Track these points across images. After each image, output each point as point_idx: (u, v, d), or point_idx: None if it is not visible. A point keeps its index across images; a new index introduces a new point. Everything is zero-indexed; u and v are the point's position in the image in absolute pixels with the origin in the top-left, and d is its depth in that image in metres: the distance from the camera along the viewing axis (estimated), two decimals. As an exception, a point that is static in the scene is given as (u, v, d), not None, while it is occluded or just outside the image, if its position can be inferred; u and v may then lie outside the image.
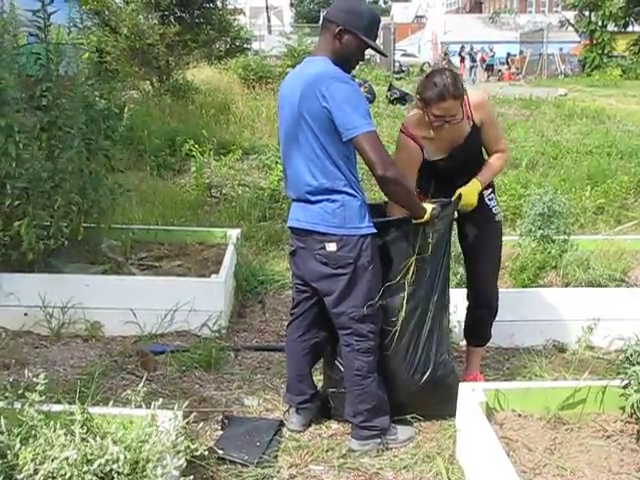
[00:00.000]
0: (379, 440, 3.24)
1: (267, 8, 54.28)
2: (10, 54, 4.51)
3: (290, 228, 3.29)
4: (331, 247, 3.07)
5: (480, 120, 3.45)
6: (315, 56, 3.17)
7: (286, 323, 4.63)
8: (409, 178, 3.30)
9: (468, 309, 3.77)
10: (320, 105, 2.97)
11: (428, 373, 3.36)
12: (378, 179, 3.02)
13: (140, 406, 2.69)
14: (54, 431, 2.38)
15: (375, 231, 3.13)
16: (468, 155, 3.50)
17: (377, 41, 3.28)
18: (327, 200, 3.07)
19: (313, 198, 3.10)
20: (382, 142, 3.05)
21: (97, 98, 5.21)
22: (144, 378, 3.26)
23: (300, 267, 3.28)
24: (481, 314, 3.73)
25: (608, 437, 3.02)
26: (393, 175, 3.01)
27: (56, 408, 2.62)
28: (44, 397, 2.50)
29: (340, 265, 3.08)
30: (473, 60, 34.85)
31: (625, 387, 3.02)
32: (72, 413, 2.52)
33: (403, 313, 3.25)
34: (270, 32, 46.05)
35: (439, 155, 3.47)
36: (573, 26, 36.74)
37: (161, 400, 2.73)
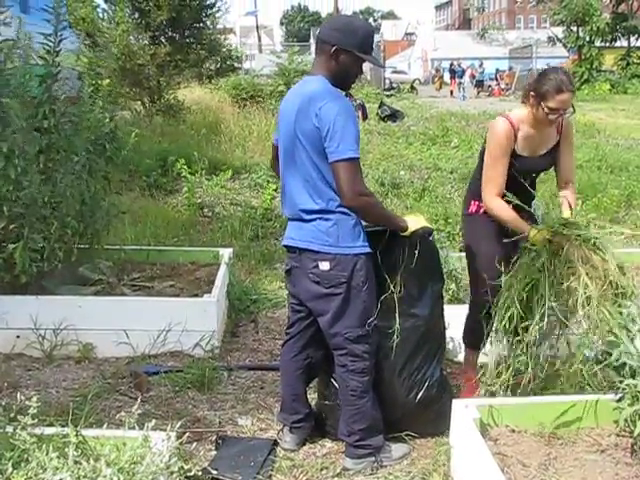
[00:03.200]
0: (373, 458, 3.23)
1: (257, 27, 54.44)
2: (18, 80, 4.57)
3: (285, 246, 3.29)
4: (324, 266, 3.06)
5: (565, 137, 3.70)
6: (313, 75, 3.17)
7: (279, 342, 4.66)
8: (501, 160, 3.54)
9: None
10: (313, 125, 2.99)
11: (423, 391, 3.36)
12: (346, 207, 3.04)
13: (133, 427, 2.68)
14: (47, 454, 2.36)
15: (370, 250, 3.14)
16: (544, 166, 3.74)
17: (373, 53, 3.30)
18: (321, 219, 3.08)
19: (307, 217, 3.11)
20: (360, 169, 3.03)
21: (106, 120, 5.24)
22: (138, 399, 3.25)
23: (295, 286, 3.28)
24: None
25: (603, 451, 3.01)
26: (359, 205, 3.03)
27: (49, 431, 2.60)
28: (37, 420, 2.49)
29: (333, 284, 3.07)
30: (460, 76, 35.05)
31: (619, 401, 3.02)
32: (65, 436, 2.50)
33: (397, 326, 3.24)
34: (261, 51, 46.17)
35: (525, 152, 3.63)
36: (561, 42, 37.07)
37: (154, 421, 2.71)
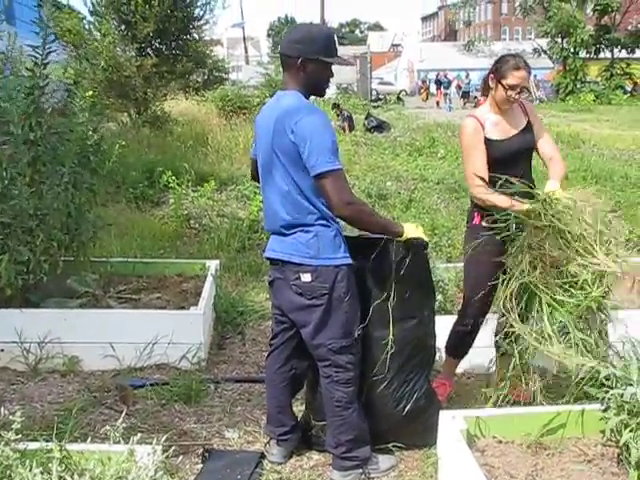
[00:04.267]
0: (360, 470, 3.22)
1: (244, 39, 54.59)
2: (8, 93, 4.56)
3: (267, 258, 3.29)
4: (306, 277, 3.07)
5: (533, 117, 3.90)
6: (285, 90, 3.17)
7: (266, 354, 4.64)
8: (474, 152, 3.72)
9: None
10: (290, 140, 2.99)
11: (412, 402, 3.36)
12: (338, 217, 3.08)
13: (119, 442, 2.66)
14: (30, 470, 2.34)
15: (351, 262, 3.14)
16: (523, 144, 3.81)
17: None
18: (301, 231, 3.09)
19: (287, 231, 3.12)
20: (344, 179, 3.05)
21: (90, 133, 5.23)
22: (123, 413, 3.23)
23: (278, 297, 3.28)
24: None
25: (589, 461, 3.01)
26: (350, 214, 3.04)
27: (33, 446, 2.58)
28: (20, 435, 2.47)
29: (315, 296, 3.08)
30: (446, 87, 35.25)
31: (605, 411, 3.03)
32: (49, 451, 2.48)
33: (391, 337, 3.25)
34: (248, 62, 46.27)
35: (498, 136, 3.79)
36: (546, 53, 37.37)
37: (140, 435, 2.69)
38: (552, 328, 3.36)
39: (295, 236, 3.10)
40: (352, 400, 3.19)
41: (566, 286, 3.43)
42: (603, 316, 3.52)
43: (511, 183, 3.61)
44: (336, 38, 3.32)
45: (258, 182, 3.35)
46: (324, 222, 3.08)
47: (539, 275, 3.44)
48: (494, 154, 3.74)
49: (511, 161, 3.73)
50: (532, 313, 3.49)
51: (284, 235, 3.14)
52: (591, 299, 3.37)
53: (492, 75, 3.77)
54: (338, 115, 16.77)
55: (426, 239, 3.30)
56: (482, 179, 3.65)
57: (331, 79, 3.23)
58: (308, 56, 3.06)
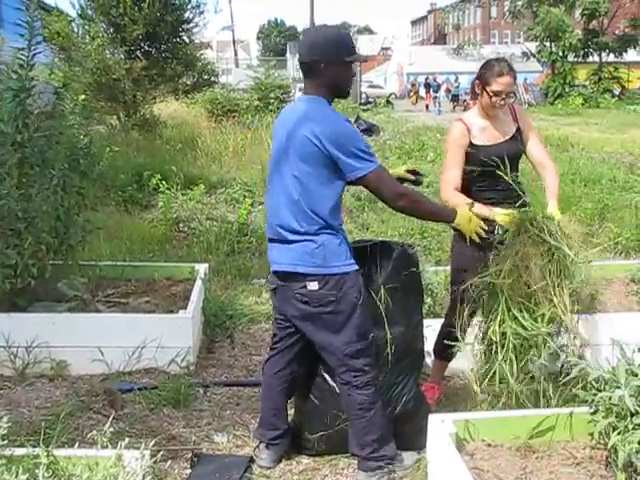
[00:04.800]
0: (387, 469, 3.21)
1: (234, 42, 54.63)
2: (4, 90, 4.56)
3: (271, 270, 3.26)
4: (313, 286, 3.06)
5: (523, 123, 3.88)
6: (308, 95, 3.15)
7: (256, 358, 4.65)
8: (458, 157, 3.70)
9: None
10: (315, 148, 2.98)
11: (400, 406, 3.36)
12: (394, 209, 3.22)
13: (106, 446, 2.65)
14: (16, 476, 2.32)
15: (357, 267, 3.14)
16: (512, 151, 3.78)
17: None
18: (306, 240, 3.07)
19: (292, 237, 3.10)
20: (388, 173, 3.15)
21: (81, 137, 5.21)
22: (111, 417, 3.21)
23: (282, 305, 3.26)
24: None
25: (578, 464, 3.01)
26: (405, 204, 3.14)
27: (19, 452, 2.56)
28: (6, 441, 2.45)
29: (322, 303, 3.07)
30: (436, 91, 35.34)
31: (593, 413, 3.03)
32: (36, 456, 2.46)
33: (390, 336, 3.28)
34: (237, 65, 46.30)
35: (485, 142, 3.79)
36: (535, 56, 37.55)
37: (128, 439, 2.68)
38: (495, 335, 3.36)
39: (300, 245, 3.08)
40: (374, 400, 3.19)
41: (524, 308, 3.38)
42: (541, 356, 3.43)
43: (498, 188, 3.62)
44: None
45: None
46: (330, 231, 3.08)
47: (510, 283, 3.39)
48: (480, 160, 3.73)
49: (499, 166, 3.69)
50: (486, 312, 3.52)
51: (288, 243, 3.11)
52: (533, 334, 3.33)
53: (477, 81, 3.77)
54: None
55: (481, 223, 3.35)
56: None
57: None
58: (332, 59, 3.05)
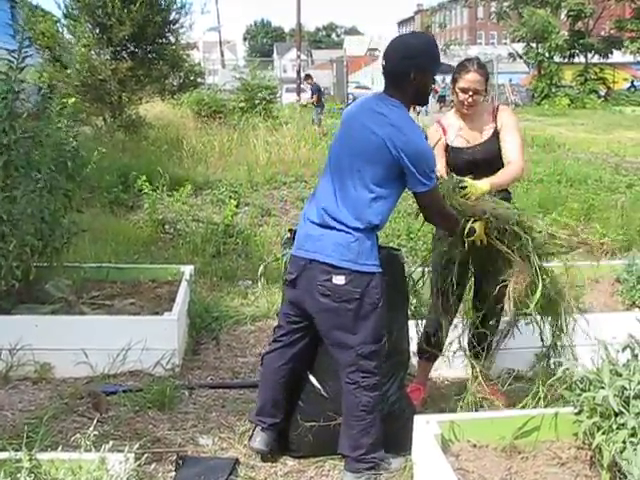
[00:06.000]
0: (374, 471, 3.21)
1: (220, 43, 54.47)
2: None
3: (293, 256, 3.26)
4: (339, 280, 3.07)
5: (501, 123, 3.83)
6: (389, 98, 3.16)
7: (241, 359, 4.66)
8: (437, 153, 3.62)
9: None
10: (388, 155, 3.04)
11: (386, 408, 3.35)
12: (430, 223, 3.52)
13: (90, 450, 2.63)
14: (-2, 480, 2.31)
15: (381, 270, 3.16)
16: (487, 154, 3.79)
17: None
18: (343, 231, 3.09)
19: (332, 224, 3.11)
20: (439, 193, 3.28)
21: (70, 139, 5.19)
22: (95, 420, 3.20)
23: (299, 296, 3.23)
24: None
25: (563, 464, 3.02)
26: (440, 222, 3.46)
27: (1, 456, 2.55)
28: (-12, 445, 2.43)
29: (345, 299, 3.07)
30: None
31: (578, 413, 3.04)
32: (18, 460, 2.45)
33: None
34: (224, 66, 46.15)
35: (460, 144, 3.84)
36: (522, 57, 37.71)
37: (112, 442, 2.68)
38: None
39: (336, 234, 3.09)
40: (377, 403, 3.21)
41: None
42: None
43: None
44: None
45: None
46: (367, 231, 3.12)
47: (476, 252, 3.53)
48: (456, 161, 3.77)
49: (475, 169, 3.70)
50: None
51: (327, 228, 3.12)
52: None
53: (450, 82, 3.84)
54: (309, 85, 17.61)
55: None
56: None
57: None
58: (422, 70, 3.12)
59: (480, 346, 3.81)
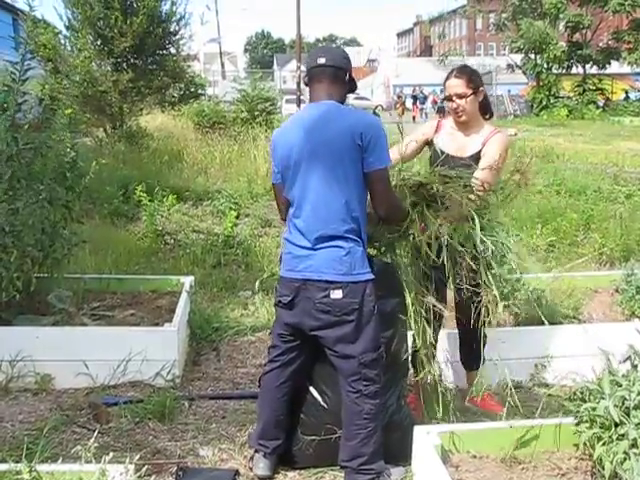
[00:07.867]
0: None
1: (221, 54, 54.65)
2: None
3: (284, 279, 3.25)
4: (337, 294, 3.09)
5: (485, 151, 3.78)
6: (326, 101, 3.25)
7: (241, 370, 4.65)
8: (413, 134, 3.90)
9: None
10: (357, 145, 3.10)
11: (386, 418, 3.35)
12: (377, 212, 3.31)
13: (90, 461, 2.63)
14: (-1, 492, 2.31)
15: (374, 277, 3.18)
16: (466, 169, 3.72)
17: None
18: (334, 247, 3.11)
19: (320, 245, 3.13)
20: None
21: (68, 150, 5.20)
22: (96, 432, 3.20)
23: (296, 316, 3.22)
24: None
25: (563, 475, 3.02)
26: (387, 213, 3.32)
27: (1, 467, 2.55)
28: (-11, 456, 2.43)
29: (345, 312, 3.10)
30: (422, 102, 35.54)
31: (578, 424, 3.04)
32: (18, 472, 2.45)
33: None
34: (224, 77, 46.31)
35: (442, 146, 3.88)
36: (520, 68, 37.81)
37: (112, 454, 2.67)
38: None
39: (328, 251, 3.12)
40: (379, 411, 3.22)
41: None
42: None
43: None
44: None
45: (284, 214, 3.37)
46: (356, 238, 3.15)
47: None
48: (433, 161, 3.82)
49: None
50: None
51: (314, 250, 3.14)
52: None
53: None
54: None
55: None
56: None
57: None
58: (350, 72, 3.33)
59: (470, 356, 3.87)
